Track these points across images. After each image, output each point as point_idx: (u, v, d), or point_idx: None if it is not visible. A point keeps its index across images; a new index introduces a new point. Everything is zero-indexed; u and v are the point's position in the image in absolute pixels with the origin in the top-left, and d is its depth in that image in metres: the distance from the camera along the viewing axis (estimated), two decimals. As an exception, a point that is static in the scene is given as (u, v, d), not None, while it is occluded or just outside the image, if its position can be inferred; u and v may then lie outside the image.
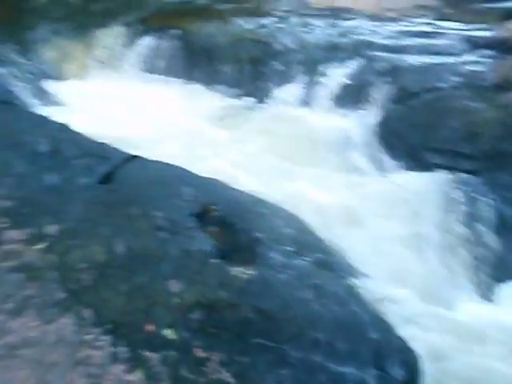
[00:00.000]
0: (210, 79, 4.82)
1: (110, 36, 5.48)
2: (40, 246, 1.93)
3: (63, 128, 2.94)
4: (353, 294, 2.18)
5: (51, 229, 2.03)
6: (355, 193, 3.37)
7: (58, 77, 5.23)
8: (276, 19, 5.66)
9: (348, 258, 2.69)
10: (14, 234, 1.98)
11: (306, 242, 2.51)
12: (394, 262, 2.91)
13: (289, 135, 3.99)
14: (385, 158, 3.84)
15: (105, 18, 6.06)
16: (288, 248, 2.27)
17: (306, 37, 5.05)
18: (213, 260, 1.98)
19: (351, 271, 2.58)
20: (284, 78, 4.68)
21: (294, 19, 5.65)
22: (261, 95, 4.68)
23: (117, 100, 4.59)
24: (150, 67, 5.03)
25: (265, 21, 5.57)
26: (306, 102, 4.50)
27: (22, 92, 4.25)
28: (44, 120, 3.04)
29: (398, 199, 3.33)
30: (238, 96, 4.72)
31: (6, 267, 1.82)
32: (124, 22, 5.75)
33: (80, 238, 2.00)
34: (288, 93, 4.58)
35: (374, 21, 5.63)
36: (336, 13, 5.93)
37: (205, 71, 4.88)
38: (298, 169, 3.55)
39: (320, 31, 5.23)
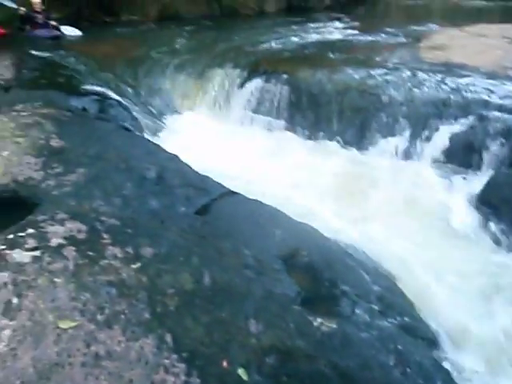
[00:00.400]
0: (313, 124, 4.91)
1: (222, 76, 5.84)
2: (135, 265, 2.06)
3: (172, 158, 3.15)
4: (440, 370, 2.01)
5: (147, 251, 2.16)
6: (454, 258, 3.15)
7: (172, 111, 5.69)
8: (386, 71, 5.65)
9: (438, 326, 2.50)
10: (114, 250, 2.13)
11: (392, 302, 2.38)
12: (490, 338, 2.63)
13: (389, 189, 3.89)
14: (490, 223, 3.57)
15: (218, 60, 6.52)
16: (373, 306, 2.17)
17: (416, 91, 4.95)
18: (295, 306, 1.95)
19: (440, 342, 2.39)
20: (389, 130, 4.61)
21: (404, 72, 5.59)
22: (364, 145, 4.66)
23: (223, 136, 4.84)
24: (256, 108, 5.26)
25: (374, 71, 5.58)
26: (409, 157, 4.39)
27: (142, 121, 4.64)
28: (156, 149, 3.29)
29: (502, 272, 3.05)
30: (340, 143, 4.74)
31: (103, 281, 1.96)
32: (235, 64, 6.10)
33: (171, 264, 2.09)
34: (392, 145, 4.51)
35: (490, 78, 5.38)
36: (449, 68, 5.78)
37: (308, 116, 4.98)
38: (395, 224, 3.42)
39: (431, 86, 5.10)
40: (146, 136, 4.38)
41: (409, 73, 5.48)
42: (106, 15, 12.88)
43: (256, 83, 5.34)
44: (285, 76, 5.20)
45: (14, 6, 9.52)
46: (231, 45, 7.51)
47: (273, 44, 7.36)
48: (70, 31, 9.54)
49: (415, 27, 9.25)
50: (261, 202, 2.74)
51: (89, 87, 5.21)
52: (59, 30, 9.38)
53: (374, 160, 4.45)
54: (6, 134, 3.11)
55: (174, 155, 3.24)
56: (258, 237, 2.36)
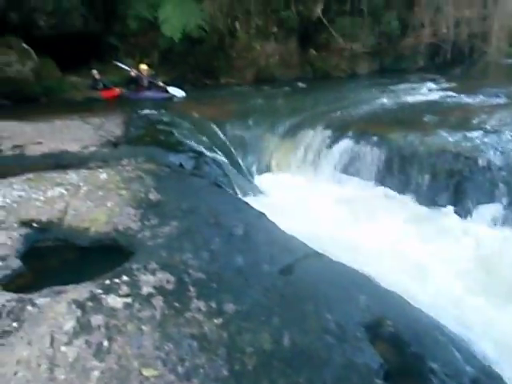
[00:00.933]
0: (404, 187, 4.76)
1: (313, 137, 5.97)
2: (217, 320, 2.10)
3: (259, 215, 3.24)
4: None
5: (229, 307, 2.20)
6: None
7: (263, 169, 5.89)
8: (483, 133, 5.41)
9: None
10: (199, 304, 2.20)
11: (488, 386, 2.15)
12: None
13: (485, 259, 3.61)
14: None
15: (309, 121, 6.69)
16: (465, 388, 1.98)
17: (517, 155, 4.67)
18: (377, 380, 1.84)
19: None
20: (486, 196, 4.34)
21: (504, 135, 5.32)
22: (458, 209, 4.40)
23: (311, 195, 4.87)
24: (346, 168, 5.26)
25: (470, 134, 5.37)
26: (509, 225, 4.07)
27: (233, 178, 4.85)
28: (245, 206, 3.41)
29: None
30: (433, 207, 4.52)
31: (186, 333, 2.02)
32: (326, 125, 6.21)
33: (252, 322, 2.10)
34: (489, 211, 4.22)
35: None
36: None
37: (399, 178, 4.85)
38: (491, 299, 3.13)
39: (535, 150, 4.78)
40: (236, 193, 4.56)
41: (509, 136, 5.20)
42: (207, 78, 13.98)
43: (346, 144, 5.38)
44: (375, 138, 5.18)
45: (128, 69, 10.81)
46: (322, 106, 7.71)
47: (363, 105, 7.42)
48: (175, 92, 10.44)
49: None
50: (345, 265, 2.69)
51: (186, 144, 5.59)
52: (166, 91, 10.36)
53: (474, 228, 4.15)
54: (111, 186, 3.42)
55: (262, 213, 3.33)
56: (341, 301, 2.30)
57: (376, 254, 3.52)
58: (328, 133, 5.80)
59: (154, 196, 3.31)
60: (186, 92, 10.59)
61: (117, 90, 10.84)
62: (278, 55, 14.25)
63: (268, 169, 6.03)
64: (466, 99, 7.76)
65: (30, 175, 3.75)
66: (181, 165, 4.71)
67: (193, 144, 5.66)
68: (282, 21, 13.60)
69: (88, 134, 5.70)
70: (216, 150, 5.68)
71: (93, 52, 12.62)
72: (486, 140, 5.12)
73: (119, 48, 13.15)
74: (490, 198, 4.30)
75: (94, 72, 11.10)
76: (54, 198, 3.24)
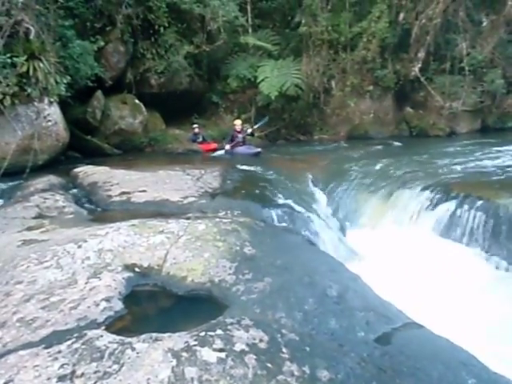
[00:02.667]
0: None
1: (409, 197, 5.76)
2: (310, 387, 2.01)
3: (354, 278, 3.13)
4: None
5: (323, 374, 2.10)
6: None
7: (355, 226, 5.76)
8: None
9: None
10: (291, 367, 2.13)
11: None
12: None
13: None
14: None
15: (406, 180, 6.49)
16: None
17: None
18: None
19: None
20: None
21: None
22: None
23: (407, 259, 4.63)
24: (445, 232, 4.95)
25: None
26: None
27: (323, 234, 4.79)
28: (338, 266, 3.31)
29: None
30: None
31: (278, 398, 1.95)
32: (424, 185, 5.97)
33: (346, 395, 1.98)
34: None
35: None
36: None
37: (509, 247, 4.44)
38: None
39: None
40: (328, 250, 4.48)
41: None
42: (300, 134, 14.34)
43: (446, 206, 5.10)
44: (480, 202, 4.84)
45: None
46: (419, 165, 7.47)
47: (464, 166, 7.08)
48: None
49: None
50: (451, 342, 2.46)
51: (279, 199, 5.66)
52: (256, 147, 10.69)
53: None
54: (208, 238, 3.53)
55: (356, 275, 3.22)
56: (446, 382, 2.10)
57: (484, 333, 3.19)
58: (427, 194, 5.56)
59: (248, 250, 3.35)
60: (278, 147, 10.98)
61: (214, 144, 11.47)
62: (372, 113, 14.27)
63: (360, 226, 5.88)
64: None
65: (135, 221, 4.01)
66: (274, 219, 4.77)
67: (285, 199, 5.73)
68: (377, 79, 13.67)
69: (188, 185, 6.02)
70: (308, 205, 5.68)
71: (195, 108, 13.61)
72: None
73: (219, 104, 14.03)
74: None
75: (195, 126, 11.91)
76: (155, 245, 3.41)
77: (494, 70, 13.00)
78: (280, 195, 5.82)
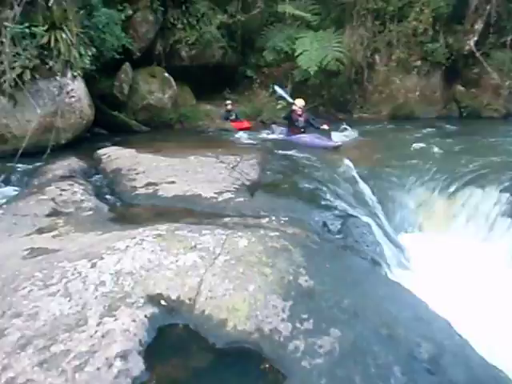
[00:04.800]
0: None
1: (482, 199, 4.87)
2: None
3: (448, 330, 2.35)
4: None
5: None
6: None
7: (416, 232, 4.93)
8: None
9: None
10: None
11: None
12: None
13: None
14: None
15: (470, 175, 5.57)
16: None
17: None
18: None
19: None
20: None
21: None
22: None
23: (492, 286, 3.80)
24: None
25: None
26: None
27: (385, 249, 3.97)
28: (425, 310, 2.53)
29: None
30: None
31: None
32: (498, 183, 5.06)
33: None
34: None
35: None
36: None
37: None
38: None
39: None
40: (390, 268, 3.68)
41: None
42: (339, 112, 13.32)
43: None
44: None
45: (289, 100, 9.46)
46: (484, 157, 6.49)
47: None
48: (343, 136, 8.81)
49: None
50: None
51: (328, 197, 4.88)
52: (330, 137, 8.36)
53: None
54: (253, 260, 2.81)
55: (447, 323, 2.43)
56: None
57: None
58: (505, 196, 4.66)
59: (305, 281, 2.61)
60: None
61: (248, 123, 10.66)
62: (418, 91, 13.10)
63: (419, 231, 5.03)
64: None
65: (162, 229, 3.32)
66: (325, 224, 4.00)
67: (335, 197, 4.94)
68: (427, 53, 12.46)
69: (222, 175, 5.30)
70: (361, 205, 4.87)
71: (227, 82, 12.77)
72: None
73: (253, 79, 13.13)
74: None
75: (228, 102, 11.10)
76: (186, 268, 2.71)
77: None
78: (327, 191, 5.03)
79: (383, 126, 11.43)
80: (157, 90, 10.62)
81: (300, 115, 8.38)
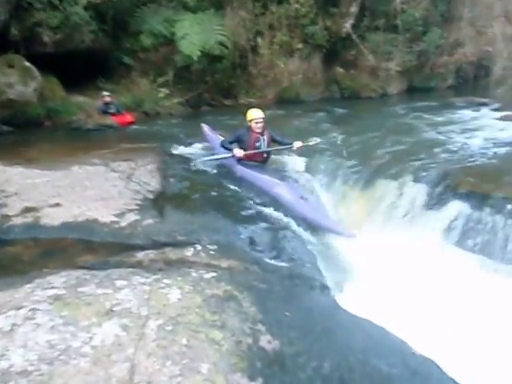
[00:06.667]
0: None
1: (399, 192, 4.73)
2: None
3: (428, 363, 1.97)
4: None
5: None
6: None
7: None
8: None
9: None
10: None
11: None
12: None
13: None
14: None
15: (376, 164, 5.42)
16: None
17: None
18: None
19: None
20: None
21: None
22: None
23: (420, 275, 3.62)
24: (460, 240, 3.98)
25: None
26: None
27: (319, 260, 3.56)
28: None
29: None
30: None
31: None
32: (420, 176, 4.80)
33: None
34: None
35: None
36: None
37: None
38: None
39: None
40: (341, 291, 3.29)
41: None
42: (225, 98, 12.80)
43: (458, 207, 4.10)
44: (510, 205, 3.88)
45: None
46: (380, 141, 6.49)
47: (451, 144, 6.01)
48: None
49: None
50: None
51: (246, 203, 4.36)
52: None
53: None
54: (194, 320, 2.16)
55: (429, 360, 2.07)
56: None
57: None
58: (423, 188, 4.55)
59: (268, 342, 2.06)
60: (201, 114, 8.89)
61: (131, 117, 9.61)
62: (301, 73, 13.11)
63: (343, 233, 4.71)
64: None
65: (59, 284, 2.50)
66: (252, 241, 3.48)
67: (253, 201, 4.43)
68: (307, 36, 12.47)
69: (117, 189, 4.45)
70: (281, 208, 4.41)
71: (100, 70, 11.41)
72: None
73: (131, 66, 11.94)
74: None
75: (105, 94, 9.86)
76: (107, 349, 1.98)
77: (430, 28, 12.38)
78: (244, 196, 4.51)
79: (273, 112, 11.17)
80: (17, 82, 8.98)
81: (261, 133, 5.25)
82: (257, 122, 5.18)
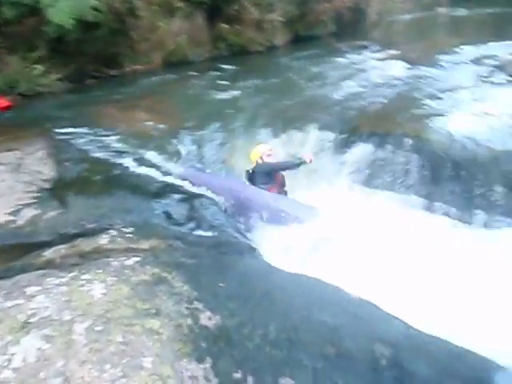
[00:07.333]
0: (466, 202, 3.76)
1: (307, 140, 4.78)
2: None
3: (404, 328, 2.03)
4: None
5: None
6: None
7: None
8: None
9: None
10: None
11: None
12: None
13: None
14: None
15: (283, 118, 5.41)
16: None
17: None
18: None
19: None
20: None
21: None
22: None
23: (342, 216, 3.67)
24: (367, 180, 4.15)
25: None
26: None
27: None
28: (353, 303, 2.17)
29: None
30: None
31: None
32: (323, 124, 4.88)
33: None
34: None
35: None
36: None
37: (454, 191, 3.82)
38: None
39: None
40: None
41: None
42: (109, 68, 11.91)
43: (362, 149, 4.26)
44: (408, 141, 4.08)
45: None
46: (278, 94, 6.49)
47: (334, 90, 6.20)
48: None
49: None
50: None
51: (154, 177, 4.14)
52: None
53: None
54: (126, 313, 2.00)
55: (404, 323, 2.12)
56: None
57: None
58: (327, 134, 4.63)
59: (208, 318, 1.97)
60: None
61: (5, 100, 8.57)
62: (186, 33, 12.57)
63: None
64: (439, 70, 6.94)
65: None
66: (169, 216, 3.31)
67: (161, 173, 4.22)
68: (186, -7, 11.90)
69: (7, 183, 3.97)
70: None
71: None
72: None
73: (-4, 42, 10.55)
74: None
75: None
76: (33, 368, 1.77)
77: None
78: (151, 169, 4.28)
79: (163, 77, 10.69)
80: None
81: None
82: (269, 155, 4.26)
